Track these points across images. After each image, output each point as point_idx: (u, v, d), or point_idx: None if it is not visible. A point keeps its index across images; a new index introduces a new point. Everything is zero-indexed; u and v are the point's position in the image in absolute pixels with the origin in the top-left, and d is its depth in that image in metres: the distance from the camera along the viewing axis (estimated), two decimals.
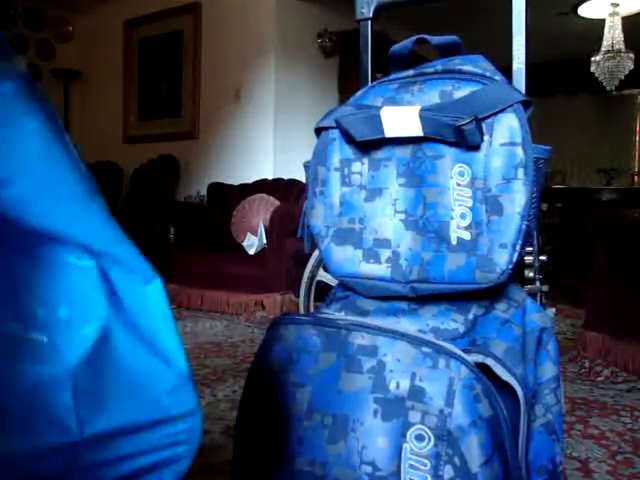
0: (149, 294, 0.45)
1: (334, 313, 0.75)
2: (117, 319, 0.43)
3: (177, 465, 0.46)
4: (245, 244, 3.48)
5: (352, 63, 4.21)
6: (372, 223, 0.72)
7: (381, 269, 0.71)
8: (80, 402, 0.41)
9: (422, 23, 3.41)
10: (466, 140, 0.65)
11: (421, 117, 0.67)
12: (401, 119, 0.68)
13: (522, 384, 0.63)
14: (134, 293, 0.44)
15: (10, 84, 0.40)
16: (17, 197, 0.40)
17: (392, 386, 0.62)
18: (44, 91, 0.44)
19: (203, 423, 0.47)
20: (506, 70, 0.74)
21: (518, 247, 0.65)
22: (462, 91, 0.68)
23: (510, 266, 0.65)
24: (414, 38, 0.77)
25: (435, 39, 0.75)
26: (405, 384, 0.62)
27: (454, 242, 0.67)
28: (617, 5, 4.19)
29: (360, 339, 0.66)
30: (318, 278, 2.27)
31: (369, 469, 0.60)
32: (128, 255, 0.44)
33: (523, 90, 0.81)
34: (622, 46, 4.25)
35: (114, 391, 0.43)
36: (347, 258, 0.73)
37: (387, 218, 0.71)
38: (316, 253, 2.20)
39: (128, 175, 4.61)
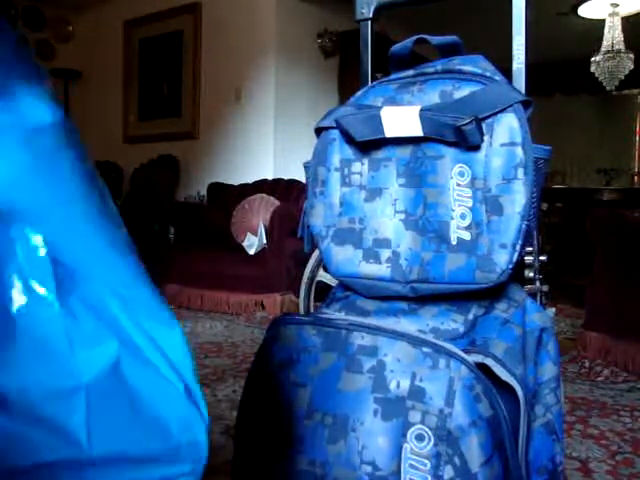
0: (168, 337, 0.45)
1: (334, 313, 0.75)
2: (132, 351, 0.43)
3: None
4: (245, 244, 3.48)
5: (352, 63, 4.21)
6: (372, 223, 0.72)
7: (381, 269, 0.71)
8: (92, 419, 0.41)
9: (422, 23, 3.40)
10: (466, 140, 0.65)
11: (421, 117, 0.67)
12: (401, 119, 0.68)
13: (522, 384, 0.63)
14: (153, 334, 0.44)
15: (59, 114, 0.40)
16: (48, 234, 0.40)
17: (392, 386, 0.62)
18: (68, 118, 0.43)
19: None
20: (506, 70, 0.74)
21: (518, 247, 0.65)
22: (462, 91, 0.68)
23: (510, 266, 0.65)
24: (414, 38, 0.77)
25: (435, 39, 0.75)
26: (405, 384, 0.62)
27: (454, 242, 0.67)
28: (617, 5, 4.19)
29: (360, 339, 0.66)
30: (318, 278, 2.27)
31: (369, 469, 0.60)
32: (148, 300, 0.44)
33: (523, 90, 0.81)
34: (622, 46, 4.25)
35: (126, 415, 0.42)
36: (347, 258, 0.73)
37: (387, 218, 0.71)
38: (316, 253, 2.20)
39: (128, 175, 4.61)
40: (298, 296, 2.38)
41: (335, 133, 0.75)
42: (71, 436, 0.40)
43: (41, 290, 0.41)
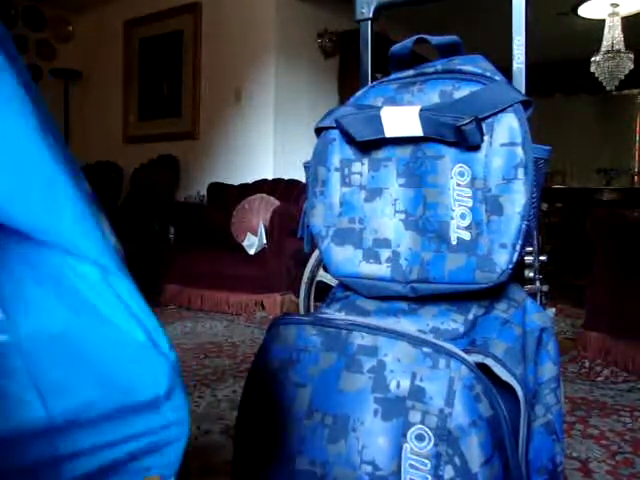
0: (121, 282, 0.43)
1: (334, 313, 0.75)
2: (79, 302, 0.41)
3: (170, 447, 0.44)
4: (245, 244, 3.48)
5: (352, 63, 4.21)
6: (372, 223, 0.72)
7: (381, 269, 0.71)
8: (38, 379, 0.39)
9: (422, 23, 3.41)
10: (466, 140, 0.65)
11: (421, 117, 0.67)
12: (401, 119, 0.68)
13: (522, 384, 0.63)
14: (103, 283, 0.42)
15: None
16: None
17: (392, 386, 0.62)
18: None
19: (190, 416, 0.45)
20: (506, 70, 0.74)
21: (518, 247, 0.65)
22: (462, 91, 0.68)
23: (510, 266, 0.65)
24: (414, 38, 0.77)
25: (435, 39, 0.75)
26: (405, 384, 0.62)
27: (454, 242, 0.67)
28: (617, 5, 4.19)
29: (360, 339, 0.66)
30: (318, 278, 2.27)
31: (369, 469, 0.60)
32: (86, 244, 0.42)
33: (523, 90, 0.81)
34: (622, 46, 4.25)
35: (79, 370, 0.40)
36: (347, 258, 0.73)
37: (387, 218, 0.71)
38: (316, 253, 2.20)
39: (128, 175, 4.61)
40: (298, 296, 2.38)
41: (335, 133, 0.75)
42: (24, 404, 0.38)
43: None
